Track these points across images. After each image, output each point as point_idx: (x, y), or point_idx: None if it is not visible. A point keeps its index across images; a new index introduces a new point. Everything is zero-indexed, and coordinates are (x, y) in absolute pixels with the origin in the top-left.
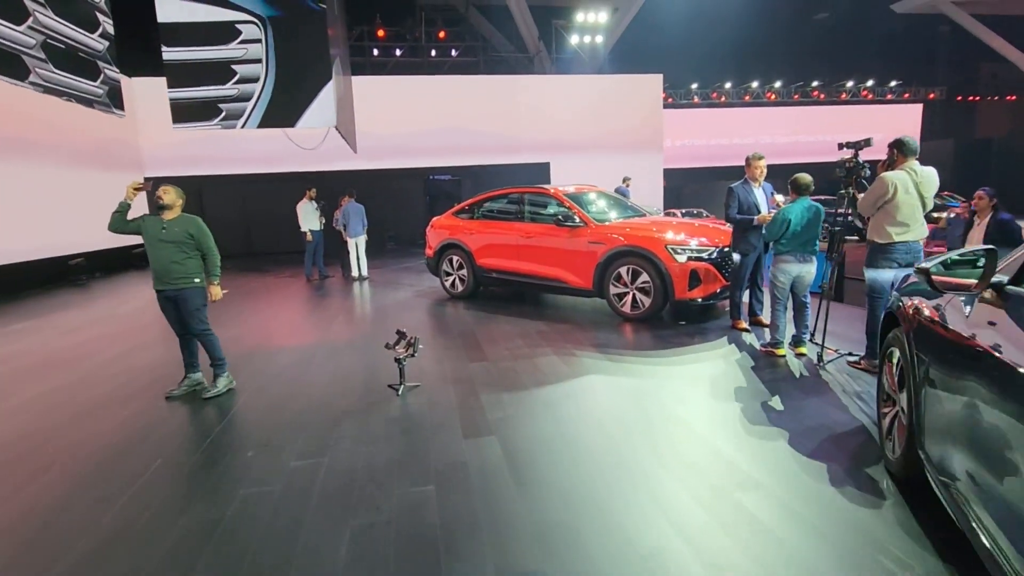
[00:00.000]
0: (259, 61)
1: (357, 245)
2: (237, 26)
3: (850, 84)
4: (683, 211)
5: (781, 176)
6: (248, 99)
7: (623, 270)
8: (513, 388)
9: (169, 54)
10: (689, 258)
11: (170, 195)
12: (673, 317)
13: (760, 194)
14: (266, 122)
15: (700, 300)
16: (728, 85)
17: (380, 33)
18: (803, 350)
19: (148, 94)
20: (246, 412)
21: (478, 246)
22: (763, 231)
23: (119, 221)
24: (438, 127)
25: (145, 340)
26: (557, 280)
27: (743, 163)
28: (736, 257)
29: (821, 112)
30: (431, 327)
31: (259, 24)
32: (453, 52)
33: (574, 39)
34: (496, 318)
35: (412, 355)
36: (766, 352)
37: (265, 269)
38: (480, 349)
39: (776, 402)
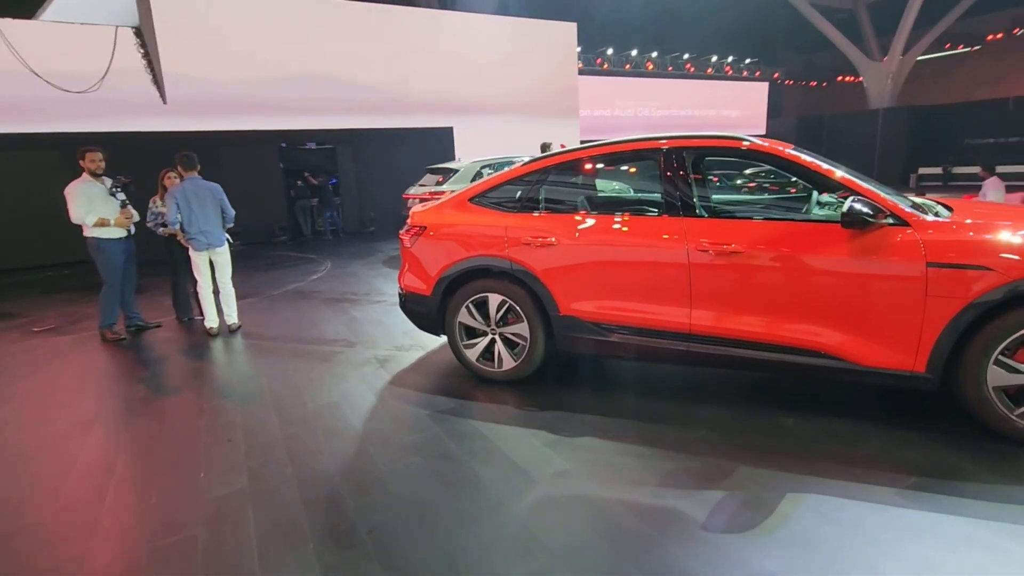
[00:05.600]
0: None
1: (213, 262)
2: None
3: (715, 59)
4: None
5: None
6: None
7: None
8: None
9: None
10: None
11: None
12: None
13: None
14: None
15: None
16: (610, 52)
17: None
18: None
19: None
20: None
21: (564, 267)
22: None
23: None
24: (294, 73)
25: None
26: (811, 351)
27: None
28: None
29: (688, 86)
30: None
31: None
32: None
33: None
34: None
35: None
36: None
37: (5, 312)
38: None
39: None
